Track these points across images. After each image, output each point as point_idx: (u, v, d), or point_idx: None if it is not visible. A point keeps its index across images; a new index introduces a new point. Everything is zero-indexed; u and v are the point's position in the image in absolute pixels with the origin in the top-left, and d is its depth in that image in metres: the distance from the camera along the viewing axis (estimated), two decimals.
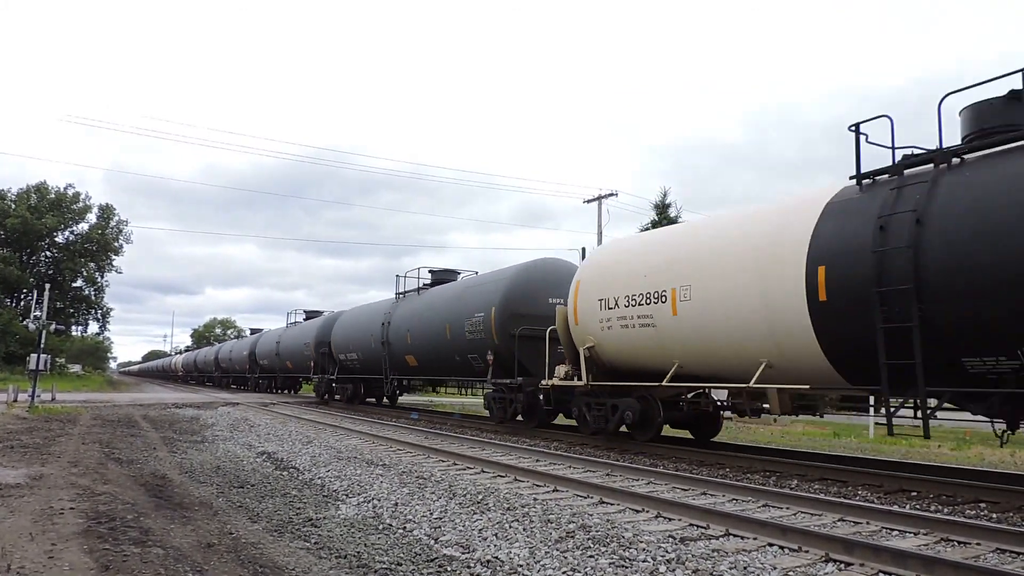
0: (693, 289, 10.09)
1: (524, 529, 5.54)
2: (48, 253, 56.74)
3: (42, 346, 20.13)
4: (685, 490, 7.51)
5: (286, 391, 36.55)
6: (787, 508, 6.53)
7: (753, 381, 9.26)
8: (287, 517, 6.16)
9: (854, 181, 8.73)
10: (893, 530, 5.66)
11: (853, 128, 8.70)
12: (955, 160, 7.83)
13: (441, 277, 20.27)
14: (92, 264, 57.10)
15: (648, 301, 10.82)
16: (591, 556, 4.78)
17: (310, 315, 33.39)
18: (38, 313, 21.22)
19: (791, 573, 4.50)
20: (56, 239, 55.59)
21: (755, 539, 5.30)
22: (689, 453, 10.76)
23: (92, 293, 59.25)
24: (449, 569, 4.65)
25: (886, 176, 8.40)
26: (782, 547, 5.08)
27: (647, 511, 6.29)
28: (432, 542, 5.35)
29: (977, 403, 7.67)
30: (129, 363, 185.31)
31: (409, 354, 19.13)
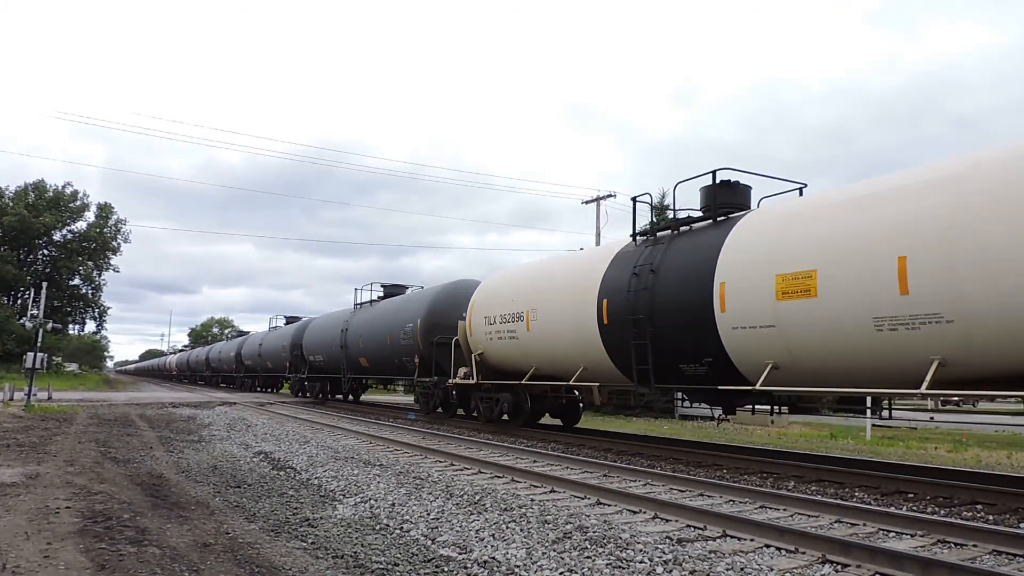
0: (539, 312, 13.31)
1: (521, 530, 5.54)
2: (46, 251, 56.67)
3: (39, 344, 20.09)
4: (682, 491, 7.51)
5: (269, 389, 38.13)
6: (784, 509, 6.54)
7: (573, 379, 12.51)
8: (284, 517, 6.16)
9: (631, 239, 11.97)
10: (890, 532, 5.67)
11: (632, 199, 12.06)
12: (683, 228, 11.02)
13: (391, 291, 23.54)
14: (90, 263, 57.02)
15: (513, 320, 14.06)
16: (588, 557, 4.78)
17: (289, 320, 35.59)
18: (35, 311, 21.21)
19: (788, 574, 4.50)
20: (54, 237, 55.50)
21: (752, 540, 5.30)
22: (686, 454, 10.81)
23: (90, 292, 59.19)
24: (446, 569, 4.64)
25: (646, 237, 11.65)
26: (779, 548, 5.08)
27: (644, 512, 6.29)
28: (429, 542, 5.35)
29: (694, 396, 11.48)
30: (126, 362, 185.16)
31: (362, 356, 22.16)
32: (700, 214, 10.94)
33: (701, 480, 7.91)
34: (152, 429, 14.13)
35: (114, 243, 58.02)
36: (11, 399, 20.01)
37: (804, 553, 4.92)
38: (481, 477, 8.34)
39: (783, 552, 5.00)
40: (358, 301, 24.01)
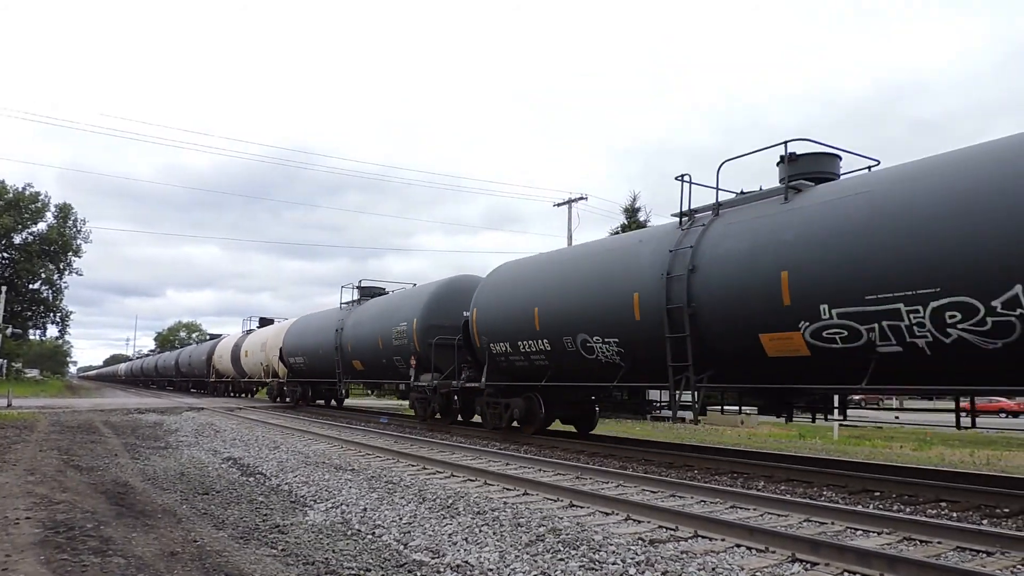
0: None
1: (494, 533, 5.52)
2: (5, 254, 55.20)
3: None
4: (654, 492, 7.55)
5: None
6: (754, 509, 6.60)
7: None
8: (253, 524, 6.06)
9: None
10: (857, 530, 5.75)
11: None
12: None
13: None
14: (51, 265, 55.71)
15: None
16: (561, 559, 4.78)
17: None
18: None
19: (758, 574, 4.54)
20: (14, 240, 54.10)
21: (723, 540, 5.34)
22: (658, 456, 10.87)
23: (50, 295, 57.79)
24: (419, 574, 4.61)
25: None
26: (749, 548, 5.13)
27: (617, 514, 6.31)
28: (401, 547, 5.30)
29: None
30: (90, 367, 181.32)
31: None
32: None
33: (673, 481, 7.96)
34: (117, 436, 13.84)
35: (75, 244, 56.69)
36: None
37: (774, 552, 4.97)
38: (454, 481, 8.31)
39: (753, 551, 5.05)
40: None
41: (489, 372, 13.95)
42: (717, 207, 10.09)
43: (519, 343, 12.94)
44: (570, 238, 33.45)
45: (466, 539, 5.40)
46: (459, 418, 17.26)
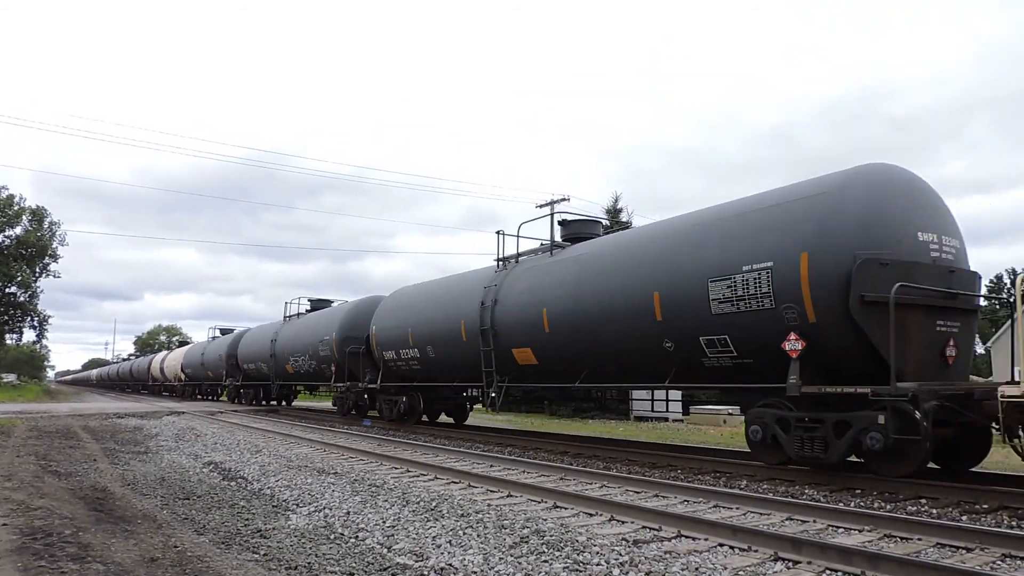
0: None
1: (478, 535, 5.51)
2: None
3: None
4: (638, 492, 7.57)
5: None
6: (737, 508, 6.64)
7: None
8: (235, 528, 6.01)
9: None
10: (839, 527, 5.80)
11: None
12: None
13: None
14: (27, 269, 54.88)
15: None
16: (545, 561, 4.78)
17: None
18: None
19: (741, 573, 4.56)
20: None
21: (706, 540, 5.36)
22: (641, 456, 10.91)
23: (26, 299, 56.92)
24: None
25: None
26: (732, 547, 5.16)
27: (601, 514, 6.32)
28: (385, 550, 5.28)
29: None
30: (68, 372, 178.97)
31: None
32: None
33: (656, 481, 7.99)
34: (96, 441, 13.66)
35: (51, 247, 55.90)
36: None
37: (757, 551, 5.00)
38: (438, 483, 8.28)
39: (736, 551, 5.08)
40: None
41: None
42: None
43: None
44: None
45: (450, 541, 5.38)
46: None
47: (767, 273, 8.41)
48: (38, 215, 55.59)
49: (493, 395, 13.44)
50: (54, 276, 57.52)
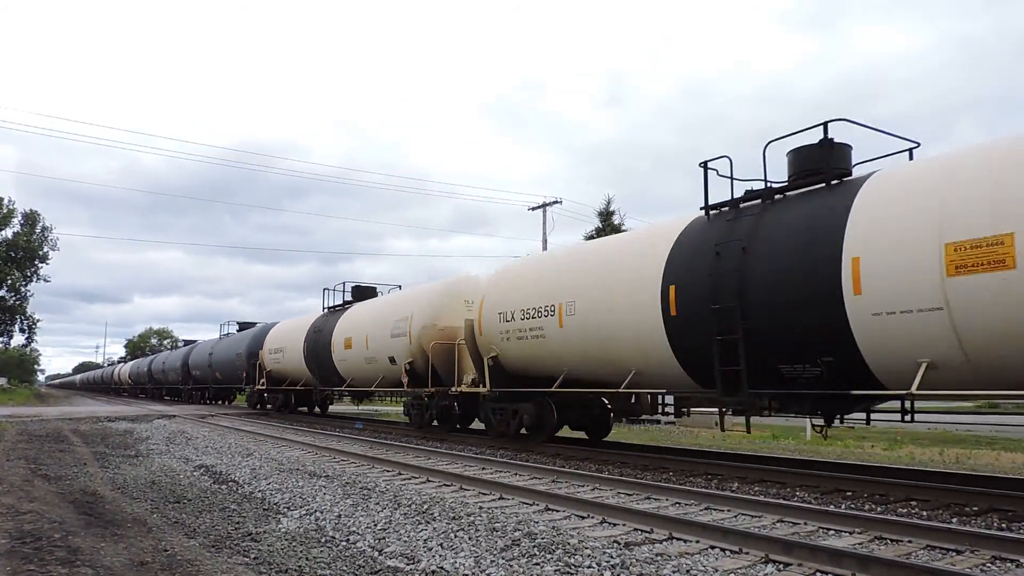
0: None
1: (470, 538, 5.50)
2: None
3: None
4: (630, 495, 7.57)
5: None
6: (728, 510, 6.65)
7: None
8: (226, 532, 5.98)
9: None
10: (830, 530, 5.82)
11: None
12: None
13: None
14: (17, 272, 54.56)
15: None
16: (537, 564, 4.77)
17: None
18: None
19: (732, 575, 4.57)
20: None
21: (697, 542, 5.37)
22: (634, 458, 10.91)
23: (16, 303, 56.56)
24: None
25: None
26: (723, 549, 5.16)
27: (592, 517, 6.32)
28: (376, 554, 5.26)
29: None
30: (58, 375, 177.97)
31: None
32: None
33: (648, 483, 7.99)
34: (86, 445, 13.59)
35: (42, 251, 55.59)
36: None
37: (748, 553, 5.01)
38: (429, 486, 8.27)
39: (727, 553, 5.08)
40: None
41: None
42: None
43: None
44: (545, 242, 33.52)
45: (441, 544, 5.37)
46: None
47: None
48: (31, 219, 55.30)
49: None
50: (44, 280, 57.23)
